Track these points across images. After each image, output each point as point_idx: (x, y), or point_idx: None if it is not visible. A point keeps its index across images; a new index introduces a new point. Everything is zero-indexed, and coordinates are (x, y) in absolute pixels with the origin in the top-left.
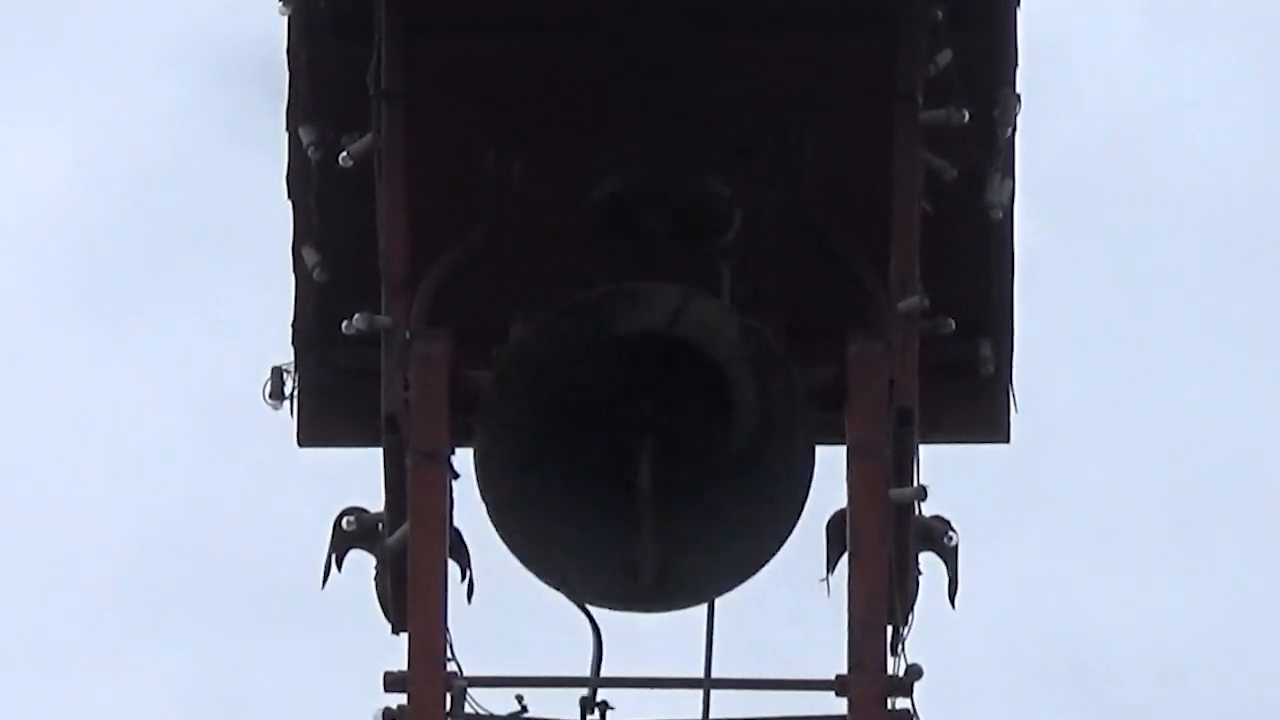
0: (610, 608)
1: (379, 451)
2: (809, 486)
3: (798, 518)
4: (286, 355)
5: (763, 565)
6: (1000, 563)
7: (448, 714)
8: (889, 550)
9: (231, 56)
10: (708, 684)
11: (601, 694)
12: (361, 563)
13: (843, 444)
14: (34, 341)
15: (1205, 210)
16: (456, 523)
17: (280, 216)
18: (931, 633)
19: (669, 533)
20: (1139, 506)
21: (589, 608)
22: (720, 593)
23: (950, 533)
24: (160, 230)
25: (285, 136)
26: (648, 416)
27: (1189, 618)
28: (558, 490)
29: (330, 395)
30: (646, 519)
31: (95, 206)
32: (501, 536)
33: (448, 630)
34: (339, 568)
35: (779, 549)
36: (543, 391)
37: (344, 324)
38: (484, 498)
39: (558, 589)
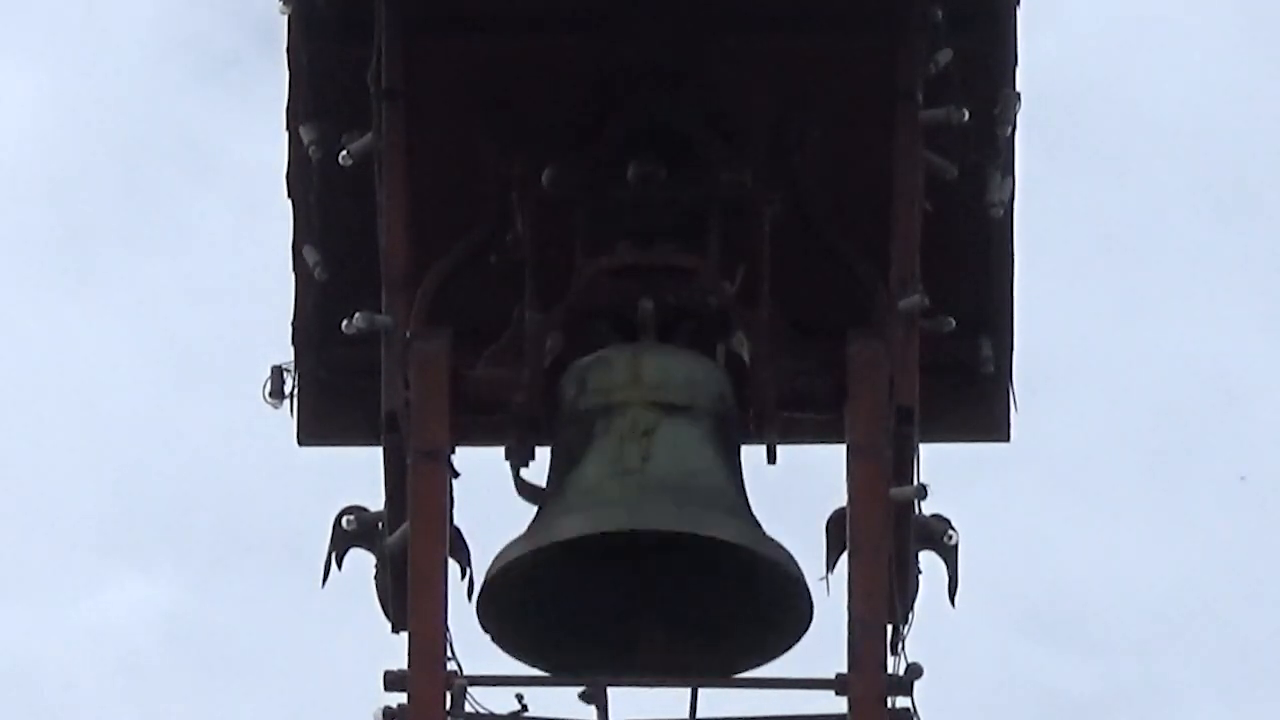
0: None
1: (379, 451)
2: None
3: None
4: (286, 354)
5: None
6: (1000, 560)
7: (448, 713)
8: (889, 549)
9: None
10: (705, 683)
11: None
12: (362, 562)
13: (843, 443)
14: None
15: (1209, 209)
16: (456, 522)
17: (281, 206)
18: (931, 632)
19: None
20: (1138, 505)
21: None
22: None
23: (950, 531)
24: (149, 204)
25: (285, 130)
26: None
27: (1192, 609)
28: None
29: (330, 394)
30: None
31: (68, 149)
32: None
33: (448, 630)
34: (339, 567)
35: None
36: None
37: (344, 323)
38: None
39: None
